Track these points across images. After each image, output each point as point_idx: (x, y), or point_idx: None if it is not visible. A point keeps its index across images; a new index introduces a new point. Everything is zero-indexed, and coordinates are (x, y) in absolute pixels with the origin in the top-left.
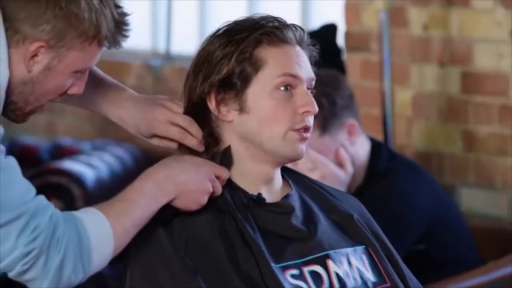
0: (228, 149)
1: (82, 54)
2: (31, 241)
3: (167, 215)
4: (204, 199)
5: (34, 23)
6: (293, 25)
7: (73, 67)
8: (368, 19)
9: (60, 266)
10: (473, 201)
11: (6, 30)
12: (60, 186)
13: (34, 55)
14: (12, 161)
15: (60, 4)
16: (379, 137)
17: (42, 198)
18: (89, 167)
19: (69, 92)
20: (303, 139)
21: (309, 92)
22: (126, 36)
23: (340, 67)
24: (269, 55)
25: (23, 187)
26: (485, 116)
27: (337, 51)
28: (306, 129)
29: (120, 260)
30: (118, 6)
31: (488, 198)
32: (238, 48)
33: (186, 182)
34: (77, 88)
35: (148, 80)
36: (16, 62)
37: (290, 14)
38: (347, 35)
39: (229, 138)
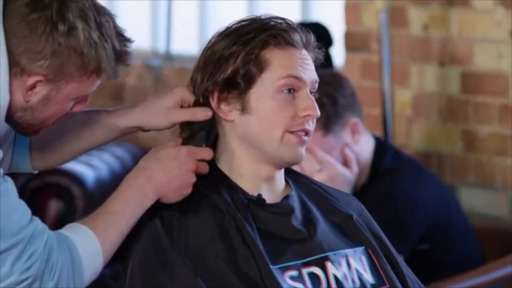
0: (212, 129)
1: (81, 86)
2: (26, 269)
3: (154, 210)
4: (188, 191)
5: (33, 58)
6: (301, 27)
7: (72, 96)
8: (368, 19)
9: None
10: (473, 201)
11: (8, 60)
12: (60, 186)
13: (33, 87)
14: (9, 185)
15: (59, 40)
16: None
17: (37, 221)
18: (89, 167)
19: (73, 110)
20: (302, 142)
21: (312, 95)
22: (127, 65)
23: (328, 60)
24: (274, 57)
25: (20, 212)
26: (485, 116)
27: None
28: (306, 132)
29: (120, 260)
30: (120, 34)
31: (488, 198)
32: (245, 48)
33: (168, 182)
34: (80, 107)
35: (148, 80)
36: (14, 91)
37: (290, 14)
38: (347, 35)
39: (230, 138)
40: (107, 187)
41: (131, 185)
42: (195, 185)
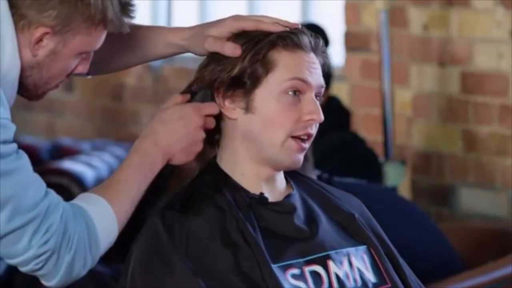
0: (207, 91)
1: (88, 38)
2: (44, 243)
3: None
4: (199, 147)
5: (40, 8)
6: (310, 31)
7: (78, 50)
8: (368, 19)
9: (71, 263)
10: (473, 201)
11: (13, 15)
12: (60, 186)
13: (40, 40)
14: (24, 160)
15: None
16: (379, 137)
17: (52, 194)
18: (89, 167)
19: (75, 71)
20: (301, 149)
21: (317, 99)
22: (132, 17)
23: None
24: (281, 58)
25: (35, 186)
26: (485, 116)
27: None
28: (308, 135)
29: (120, 259)
30: None
31: (488, 198)
32: (253, 48)
33: (176, 143)
34: (83, 68)
35: (148, 80)
36: (22, 47)
37: (290, 14)
38: (347, 35)
39: (232, 136)
40: None
41: (138, 151)
42: (196, 185)
